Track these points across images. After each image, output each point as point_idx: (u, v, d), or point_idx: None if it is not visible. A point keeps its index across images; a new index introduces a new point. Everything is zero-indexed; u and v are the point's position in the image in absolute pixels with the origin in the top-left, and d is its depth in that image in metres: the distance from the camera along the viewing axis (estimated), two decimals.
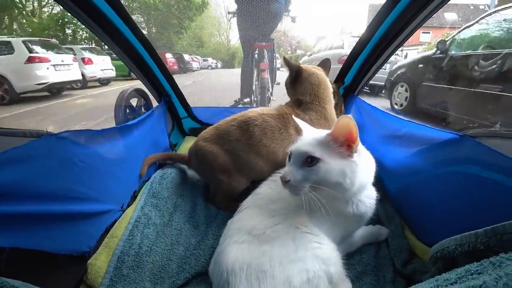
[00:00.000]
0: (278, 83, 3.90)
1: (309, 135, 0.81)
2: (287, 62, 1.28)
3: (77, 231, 0.93)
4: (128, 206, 1.19)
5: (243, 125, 1.19)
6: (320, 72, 1.30)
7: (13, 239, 0.74)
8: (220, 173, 1.21)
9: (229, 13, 3.30)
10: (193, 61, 13.13)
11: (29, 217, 0.78)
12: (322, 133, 0.79)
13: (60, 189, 0.89)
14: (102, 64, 9.00)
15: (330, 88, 1.29)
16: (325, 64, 1.38)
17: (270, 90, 3.39)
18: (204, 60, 15.59)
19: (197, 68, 13.37)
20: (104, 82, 9.48)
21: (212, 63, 16.00)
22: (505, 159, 0.68)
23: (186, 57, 12.20)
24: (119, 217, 1.10)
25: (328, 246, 0.74)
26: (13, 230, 0.75)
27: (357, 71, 1.63)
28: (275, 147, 1.17)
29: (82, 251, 0.92)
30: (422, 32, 17.63)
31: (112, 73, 9.46)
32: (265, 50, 3.28)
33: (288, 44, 18.68)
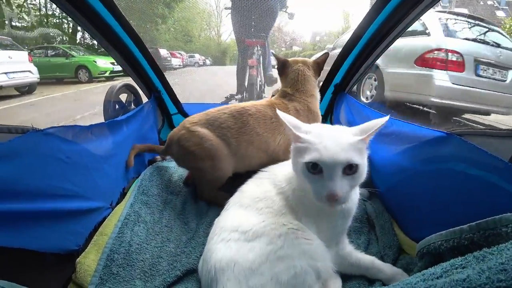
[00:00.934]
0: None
1: (326, 135, 0.71)
2: (275, 56, 1.43)
3: (65, 229, 0.91)
4: (118, 203, 1.17)
5: (237, 114, 1.21)
6: (302, 67, 1.36)
7: None
8: (204, 159, 1.18)
9: (225, 8, 3.26)
10: (174, 57, 11.32)
11: (15, 215, 0.76)
12: (343, 131, 0.74)
13: (47, 186, 0.87)
14: (9, 65, 5.65)
15: (311, 82, 1.36)
16: (323, 57, 1.44)
17: (262, 88, 3.38)
18: (190, 57, 14.18)
19: (179, 65, 11.50)
20: (23, 90, 6.48)
21: (199, 59, 14.70)
22: (489, 156, 0.70)
23: (163, 52, 10.15)
24: (108, 215, 1.08)
25: (316, 242, 0.74)
26: None
27: (347, 69, 1.64)
28: (268, 136, 1.22)
29: (70, 250, 0.90)
30: None
31: (31, 77, 6.29)
32: (256, 47, 3.26)
33: (282, 40, 18.30)
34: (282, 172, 0.90)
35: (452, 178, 0.82)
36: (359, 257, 0.84)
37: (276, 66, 1.42)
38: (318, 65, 1.41)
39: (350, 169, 0.67)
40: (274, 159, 1.19)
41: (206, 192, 1.26)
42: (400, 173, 1.06)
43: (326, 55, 1.43)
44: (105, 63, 8.65)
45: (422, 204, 0.93)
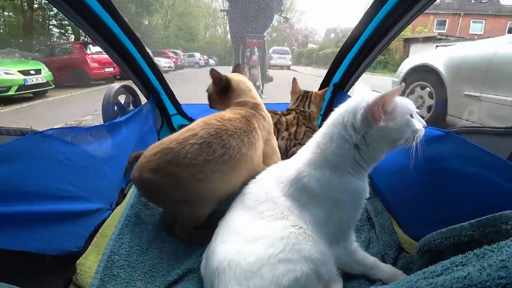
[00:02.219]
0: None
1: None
2: (214, 74, 1.14)
3: (65, 231, 0.91)
4: (117, 204, 1.17)
5: (212, 139, 0.92)
6: (244, 78, 1.23)
7: None
8: (180, 204, 0.95)
9: (221, 11, 3.27)
10: (164, 56, 9.55)
11: (15, 217, 0.76)
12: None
13: (47, 188, 0.86)
14: None
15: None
16: (237, 68, 1.35)
17: (261, 88, 3.39)
18: (189, 56, 12.71)
19: (169, 68, 9.68)
20: None
21: (200, 59, 12.99)
22: (488, 154, 0.70)
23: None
24: (108, 216, 1.08)
25: (319, 246, 0.74)
26: None
27: (346, 69, 1.65)
28: (252, 153, 1.00)
29: (70, 251, 0.90)
30: (473, 22, 15.63)
31: None
32: (255, 47, 3.27)
33: (294, 38, 17.46)
34: (290, 170, 0.85)
35: (451, 176, 0.82)
36: (364, 255, 0.84)
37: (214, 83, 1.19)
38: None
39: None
40: (254, 175, 0.99)
41: (178, 231, 1.04)
42: (399, 172, 1.07)
43: (240, 68, 1.36)
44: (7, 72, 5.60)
45: (421, 203, 0.93)
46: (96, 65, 8.17)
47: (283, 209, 0.79)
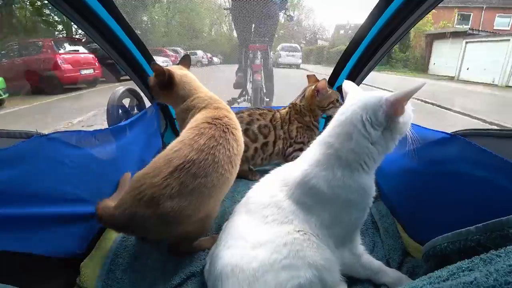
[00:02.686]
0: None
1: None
2: (156, 68, 1.08)
3: (69, 233, 0.91)
4: None
5: (195, 169, 0.82)
6: (187, 71, 1.19)
7: (2, 242, 0.72)
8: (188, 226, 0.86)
9: (224, 9, 3.27)
10: (162, 55, 9.07)
11: (19, 219, 0.77)
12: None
13: (51, 190, 0.87)
14: None
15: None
16: (184, 60, 1.30)
17: (264, 91, 3.37)
18: (192, 54, 10.40)
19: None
20: None
21: (203, 57, 11.89)
22: (495, 157, 0.69)
23: None
24: None
25: (323, 252, 0.73)
26: (2, 233, 0.73)
27: (350, 70, 1.64)
28: (234, 157, 0.95)
29: (74, 254, 0.91)
30: (498, 16, 14.00)
31: None
32: (258, 52, 3.26)
33: (302, 35, 16.36)
34: (295, 173, 0.83)
35: (457, 179, 0.81)
36: (370, 259, 0.84)
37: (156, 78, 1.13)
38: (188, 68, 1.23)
39: None
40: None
41: (185, 248, 0.97)
42: (404, 175, 1.06)
43: (189, 58, 1.30)
44: None
45: (426, 206, 0.92)
46: (69, 66, 6.83)
47: (287, 213, 0.78)
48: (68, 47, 7.38)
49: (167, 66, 1.16)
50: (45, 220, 0.84)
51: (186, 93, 1.12)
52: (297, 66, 12.18)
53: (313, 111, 1.52)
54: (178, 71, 1.16)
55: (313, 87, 1.48)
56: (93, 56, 7.65)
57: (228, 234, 0.79)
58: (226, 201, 1.29)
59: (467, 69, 11.16)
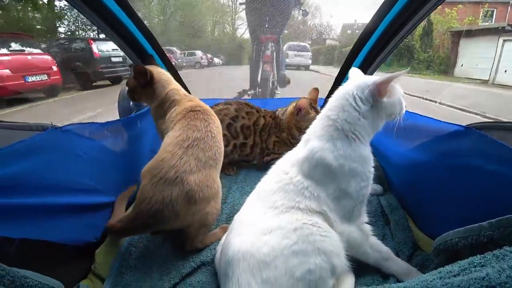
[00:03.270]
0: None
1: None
2: (139, 69, 1.10)
3: (83, 222, 0.94)
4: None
5: (202, 144, 0.93)
6: (160, 68, 1.22)
7: (21, 230, 0.75)
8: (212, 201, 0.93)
9: (240, 4, 3.24)
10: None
11: (37, 208, 0.80)
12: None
13: (66, 181, 0.90)
14: None
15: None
16: (150, 61, 1.31)
17: (275, 84, 3.35)
18: (189, 55, 10.99)
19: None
20: None
21: (201, 58, 11.17)
22: (509, 151, 0.67)
23: (104, 47, 6.89)
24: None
25: (332, 238, 0.74)
26: (21, 221, 0.76)
27: (361, 63, 1.61)
28: (221, 134, 1.06)
29: (89, 242, 0.94)
30: None
31: None
32: (269, 43, 3.22)
33: (308, 35, 15.51)
34: (299, 154, 0.86)
35: (470, 173, 0.79)
36: (378, 241, 0.85)
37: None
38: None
39: None
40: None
41: (202, 239, 0.98)
42: (415, 168, 1.04)
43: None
44: None
45: (438, 200, 0.91)
46: (7, 72, 5.06)
47: (293, 195, 0.79)
48: (12, 46, 5.56)
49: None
50: (60, 209, 0.86)
51: (163, 90, 1.15)
52: (306, 67, 11.21)
53: (290, 129, 1.45)
54: (154, 69, 1.18)
55: (294, 104, 1.42)
56: (51, 58, 6.11)
57: (239, 223, 0.81)
58: (236, 192, 1.30)
59: (505, 71, 9.38)
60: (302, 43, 11.76)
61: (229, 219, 1.11)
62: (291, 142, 1.45)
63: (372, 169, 0.86)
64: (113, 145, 1.14)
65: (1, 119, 0.98)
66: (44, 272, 0.66)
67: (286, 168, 0.87)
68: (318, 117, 0.90)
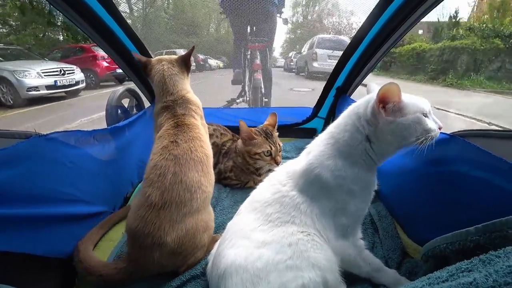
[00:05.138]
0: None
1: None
2: (136, 56, 1.14)
3: (67, 233, 0.91)
4: (121, 208, 1.17)
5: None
6: (167, 65, 1.10)
7: (1, 243, 0.72)
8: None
9: (220, 13, 3.28)
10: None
11: (18, 219, 0.77)
12: None
13: (50, 191, 0.87)
14: None
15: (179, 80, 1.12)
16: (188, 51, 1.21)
17: (263, 91, 3.38)
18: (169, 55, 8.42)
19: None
20: None
21: (199, 59, 9.72)
22: (494, 158, 0.69)
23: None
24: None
25: (326, 252, 0.73)
26: (1, 234, 0.73)
27: (349, 72, 1.64)
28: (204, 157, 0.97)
29: (72, 254, 0.90)
30: None
31: None
32: (257, 51, 3.27)
33: (326, 33, 13.17)
34: (298, 165, 0.84)
35: (456, 180, 0.81)
36: (370, 254, 0.84)
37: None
38: (183, 60, 1.14)
39: None
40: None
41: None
42: (403, 175, 1.06)
43: (192, 48, 1.21)
44: None
45: (426, 207, 0.92)
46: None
47: (289, 209, 0.78)
48: None
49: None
50: (43, 220, 0.83)
51: (158, 85, 1.10)
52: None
53: (244, 157, 1.37)
54: (159, 61, 1.13)
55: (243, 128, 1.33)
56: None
57: (232, 233, 0.79)
58: (225, 200, 1.29)
59: None
60: (339, 37, 9.00)
61: (218, 228, 1.09)
62: (247, 168, 1.39)
63: (373, 193, 0.84)
64: (100, 154, 1.11)
65: None
66: (24, 286, 0.63)
67: (283, 179, 0.85)
68: (325, 132, 0.86)
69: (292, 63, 11.62)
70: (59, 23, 11.26)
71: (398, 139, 0.75)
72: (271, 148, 1.32)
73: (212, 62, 10.76)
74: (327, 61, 7.36)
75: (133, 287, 0.85)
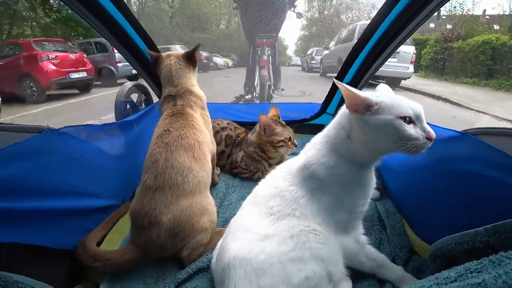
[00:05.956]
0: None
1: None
2: (148, 52, 1.27)
3: (78, 226, 0.93)
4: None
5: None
6: (174, 60, 1.19)
7: (13, 234, 0.74)
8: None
9: (233, 8, 3.25)
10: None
11: (30, 212, 0.79)
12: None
13: (61, 184, 0.89)
14: None
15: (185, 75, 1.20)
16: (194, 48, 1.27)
17: (272, 88, 3.36)
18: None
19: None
20: None
21: (202, 57, 8.25)
22: (506, 156, 0.68)
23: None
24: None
25: (329, 245, 0.74)
26: (13, 225, 0.75)
27: (358, 68, 1.62)
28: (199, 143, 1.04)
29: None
30: None
31: None
32: (266, 47, 3.24)
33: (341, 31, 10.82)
34: (297, 162, 0.86)
35: (467, 179, 0.80)
36: (373, 250, 0.84)
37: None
38: (188, 57, 1.21)
39: None
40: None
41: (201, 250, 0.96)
42: (412, 173, 1.05)
43: (198, 46, 1.25)
44: None
45: (435, 205, 0.91)
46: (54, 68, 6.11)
47: (290, 202, 0.78)
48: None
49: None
50: (54, 213, 0.85)
51: (165, 79, 1.21)
52: (405, 77, 6.46)
53: (263, 145, 1.44)
54: (168, 56, 1.22)
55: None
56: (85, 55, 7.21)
57: (236, 227, 0.80)
58: (232, 195, 1.30)
59: None
60: None
61: (225, 223, 1.10)
62: (259, 155, 1.46)
63: (372, 191, 0.83)
64: (109, 147, 1.13)
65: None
66: (36, 276, 0.65)
67: (284, 175, 0.86)
68: (324, 130, 0.87)
69: (313, 62, 10.17)
70: None
71: (368, 139, 0.73)
72: (289, 134, 1.41)
73: (219, 60, 9.56)
74: (398, 62, 5.72)
75: (140, 279, 0.87)
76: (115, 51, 6.91)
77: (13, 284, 0.57)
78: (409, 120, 0.68)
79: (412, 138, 0.67)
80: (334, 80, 0.83)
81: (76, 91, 6.91)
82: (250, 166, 1.46)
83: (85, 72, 6.80)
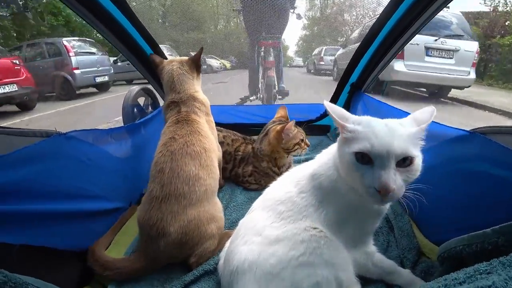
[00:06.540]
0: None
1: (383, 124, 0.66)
2: (151, 57, 1.24)
3: (85, 228, 0.94)
4: (138, 204, 1.20)
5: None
6: (176, 65, 1.17)
7: (23, 236, 0.75)
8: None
9: (233, 10, 3.27)
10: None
11: (39, 215, 0.80)
12: (397, 121, 0.69)
13: (69, 187, 0.90)
14: None
15: (188, 80, 1.17)
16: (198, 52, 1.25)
17: (276, 89, 3.36)
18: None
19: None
20: None
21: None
22: None
23: None
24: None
25: (340, 251, 0.73)
26: (23, 227, 0.76)
27: (363, 68, 1.61)
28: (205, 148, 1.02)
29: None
30: None
31: None
32: (271, 48, 3.24)
33: (346, 30, 11.37)
34: (308, 169, 0.85)
35: (476, 178, 0.78)
36: (381, 257, 0.82)
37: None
38: (193, 61, 1.20)
39: (404, 161, 0.61)
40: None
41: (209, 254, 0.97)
42: (420, 173, 1.03)
43: (201, 50, 1.23)
44: None
45: (443, 206, 0.89)
46: None
47: (301, 208, 0.78)
48: None
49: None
50: (62, 215, 0.87)
51: (167, 84, 1.19)
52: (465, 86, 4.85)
53: (277, 152, 1.37)
54: (170, 62, 1.20)
55: (278, 127, 1.33)
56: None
57: (245, 230, 0.79)
58: (239, 196, 1.30)
59: None
60: (447, 18, 4.77)
61: (232, 224, 1.10)
62: (273, 171, 1.39)
63: (378, 211, 0.77)
64: (117, 151, 1.14)
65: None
66: (45, 278, 0.66)
67: (295, 180, 0.85)
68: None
69: (322, 63, 9.03)
70: None
71: (341, 166, 0.70)
72: (302, 135, 1.37)
73: (214, 62, 8.67)
74: (437, 60, 4.45)
75: (147, 281, 0.88)
76: (71, 54, 6.24)
77: (22, 286, 0.58)
78: (367, 158, 0.61)
79: (361, 184, 0.62)
80: (325, 102, 0.77)
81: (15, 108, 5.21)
82: (261, 181, 1.40)
83: (15, 85, 4.95)
